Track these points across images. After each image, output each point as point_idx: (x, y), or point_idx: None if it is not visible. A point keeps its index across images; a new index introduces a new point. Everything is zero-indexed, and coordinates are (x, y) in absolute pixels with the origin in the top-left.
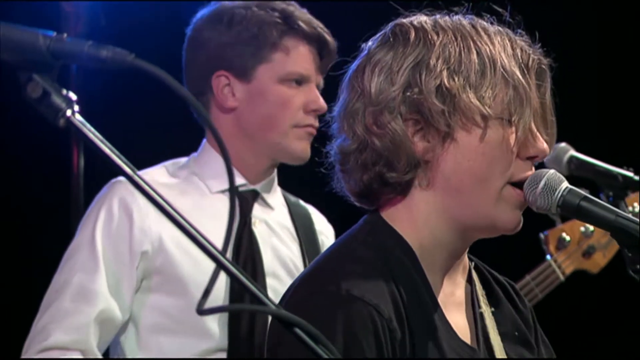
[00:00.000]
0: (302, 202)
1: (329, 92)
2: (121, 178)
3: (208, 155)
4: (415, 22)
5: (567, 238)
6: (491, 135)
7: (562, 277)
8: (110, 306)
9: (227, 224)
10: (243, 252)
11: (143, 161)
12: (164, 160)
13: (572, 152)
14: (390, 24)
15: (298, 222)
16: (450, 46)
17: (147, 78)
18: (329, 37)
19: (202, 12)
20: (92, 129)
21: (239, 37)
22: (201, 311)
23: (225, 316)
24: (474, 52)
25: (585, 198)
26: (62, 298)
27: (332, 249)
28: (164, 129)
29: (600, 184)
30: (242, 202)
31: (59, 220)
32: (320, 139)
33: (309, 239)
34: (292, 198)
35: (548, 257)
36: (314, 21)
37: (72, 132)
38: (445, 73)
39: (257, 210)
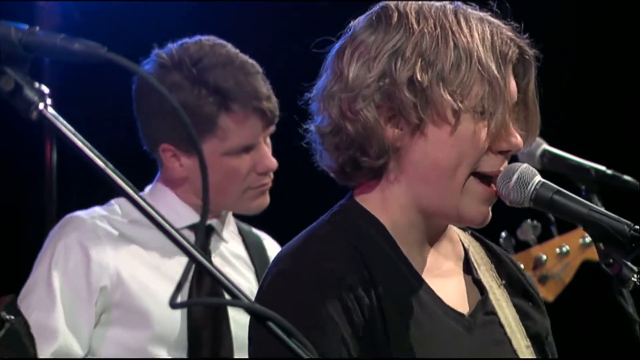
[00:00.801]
0: (254, 230)
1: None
2: (76, 213)
3: (163, 193)
4: (400, 7)
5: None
6: (462, 129)
7: None
8: (68, 342)
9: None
10: (205, 285)
11: (115, 154)
12: (137, 152)
13: (545, 146)
14: (378, 5)
15: (252, 250)
16: (428, 36)
17: (121, 71)
18: (266, 103)
19: (148, 65)
20: (65, 122)
21: (176, 116)
22: (174, 305)
23: (185, 347)
24: (452, 44)
25: (558, 192)
26: None
27: (300, 234)
28: (136, 122)
29: (573, 178)
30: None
31: (32, 214)
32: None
33: (263, 267)
34: (245, 227)
35: None
36: (250, 86)
37: (45, 126)
38: (418, 65)
39: (212, 243)
